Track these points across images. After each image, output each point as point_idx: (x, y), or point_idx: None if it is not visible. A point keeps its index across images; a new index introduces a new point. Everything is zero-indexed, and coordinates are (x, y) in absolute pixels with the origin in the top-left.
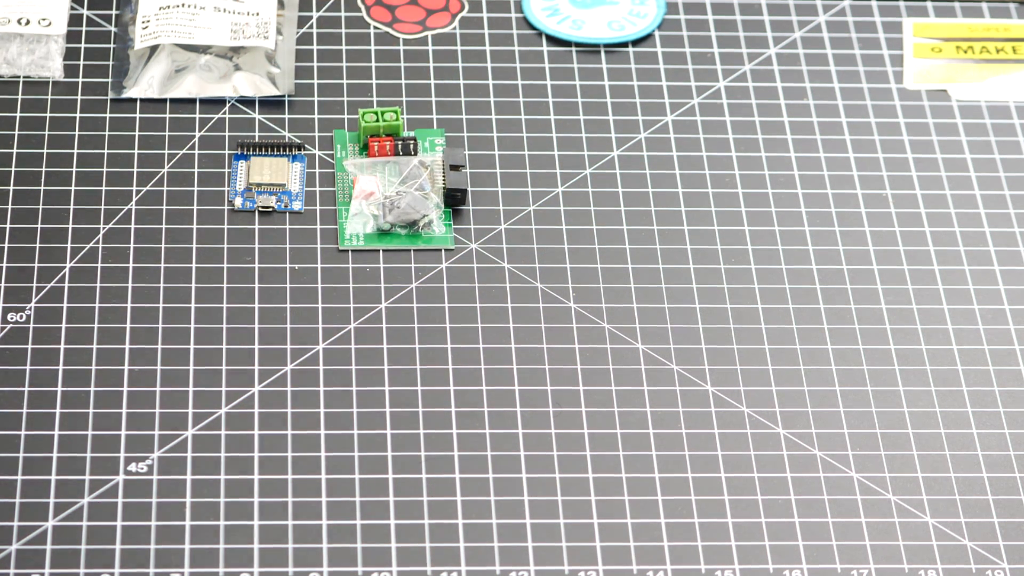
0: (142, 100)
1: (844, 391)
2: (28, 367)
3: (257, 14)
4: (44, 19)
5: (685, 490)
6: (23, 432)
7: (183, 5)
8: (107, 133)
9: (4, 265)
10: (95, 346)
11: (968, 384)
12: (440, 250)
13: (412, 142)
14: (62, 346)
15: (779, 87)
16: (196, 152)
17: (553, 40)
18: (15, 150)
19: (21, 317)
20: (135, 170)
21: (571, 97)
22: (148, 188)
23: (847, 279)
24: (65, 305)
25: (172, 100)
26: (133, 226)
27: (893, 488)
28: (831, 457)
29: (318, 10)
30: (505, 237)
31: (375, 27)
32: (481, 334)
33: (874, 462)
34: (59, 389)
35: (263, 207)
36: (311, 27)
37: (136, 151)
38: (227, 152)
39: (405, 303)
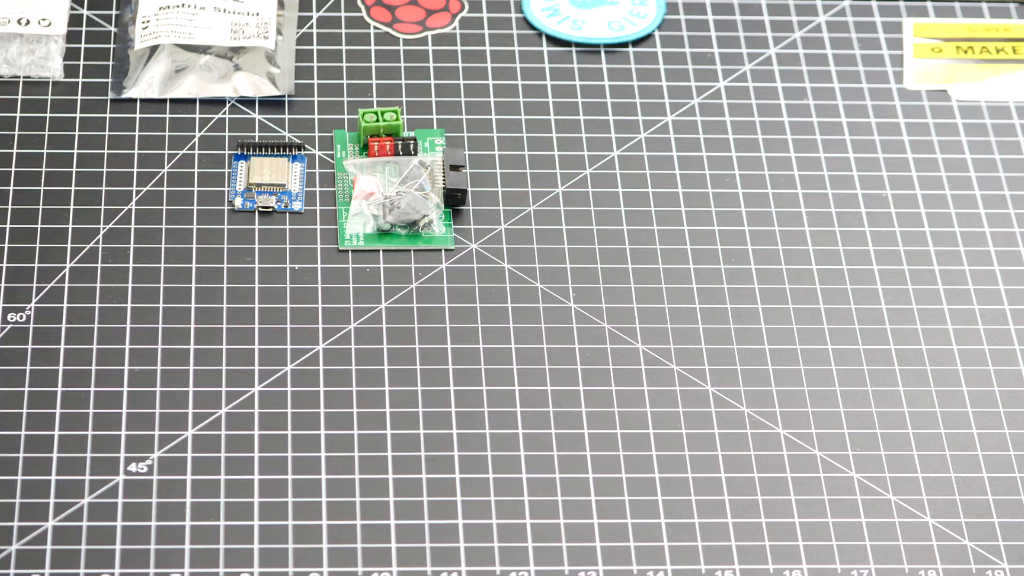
0: (142, 100)
1: (844, 391)
2: (28, 367)
3: (257, 14)
4: (44, 19)
5: (685, 490)
6: (23, 432)
7: (183, 5)
8: (107, 133)
9: (4, 265)
10: (95, 346)
11: (968, 384)
12: (440, 250)
13: (412, 142)
14: (62, 346)
15: (779, 87)
16: (196, 152)
17: (553, 40)
18: (15, 150)
19: (21, 317)
20: (135, 170)
21: (571, 97)
22: (148, 188)
23: (847, 279)
24: (65, 305)
25: (172, 100)
26: (133, 226)
27: (893, 488)
28: (831, 457)
29: (318, 10)
30: (505, 237)
31: (375, 27)
32: (481, 334)
33: (874, 462)
34: (59, 389)
35: (263, 207)
36: (311, 27)
37: (136, 151)
38: (227, 152)
39: (405, 303)
